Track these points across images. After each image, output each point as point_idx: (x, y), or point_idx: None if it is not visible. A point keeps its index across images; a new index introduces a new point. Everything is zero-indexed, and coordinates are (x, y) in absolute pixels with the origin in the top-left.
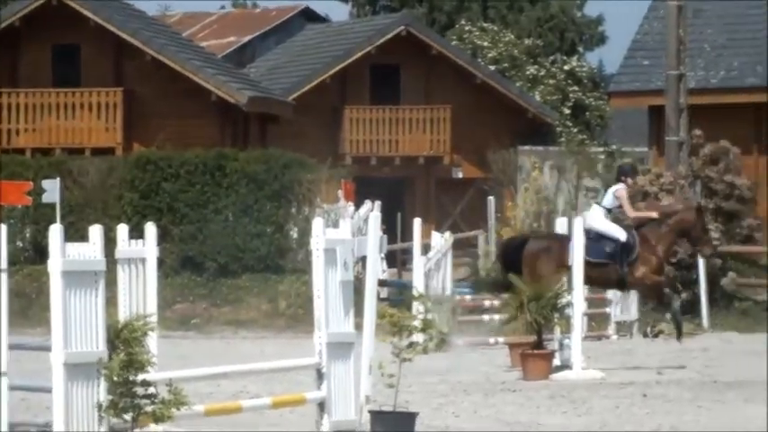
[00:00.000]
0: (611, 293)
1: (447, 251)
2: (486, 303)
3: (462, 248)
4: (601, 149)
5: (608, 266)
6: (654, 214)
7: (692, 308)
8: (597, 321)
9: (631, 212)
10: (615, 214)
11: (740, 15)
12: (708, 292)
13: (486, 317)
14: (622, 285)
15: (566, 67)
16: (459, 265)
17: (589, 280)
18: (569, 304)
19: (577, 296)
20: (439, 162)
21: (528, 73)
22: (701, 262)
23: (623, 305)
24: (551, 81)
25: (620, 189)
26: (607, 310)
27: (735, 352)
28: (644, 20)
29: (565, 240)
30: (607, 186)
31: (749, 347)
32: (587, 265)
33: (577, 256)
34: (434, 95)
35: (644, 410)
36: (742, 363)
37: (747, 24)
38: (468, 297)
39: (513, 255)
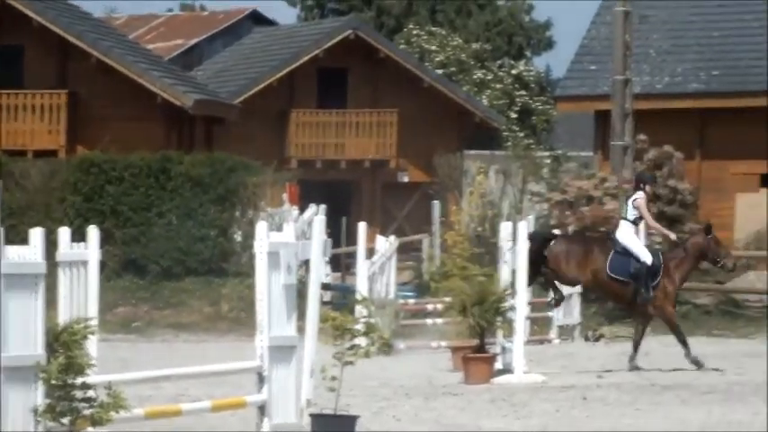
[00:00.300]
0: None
1: (391, 255)
2: (429, 307)
3: (407, 252)
4: (546, 154)
5: (628, 285)
6: (672, 236)
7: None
8: (540, 325)
9: (652, 222)
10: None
11: (684, 22)
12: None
13: (429, 320)
14: (636, 307)
15: (513, 72)
16: (403, 268)
17: (605, 293)
18: (512, 308)
19: (520, 300)
20: (385, 166)
21: (475, 77)
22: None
23: (566, 309)
24: (498, 85)
25: (638, 199)
26: (550, 313)
27: (673, 355)
28: (591, 25)
29: (592, 243)
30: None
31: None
32: (607, 278)
33: (521, 260)
34: (382, 99)
35: (584, 414)
36: (680, 366)
37: (692, 30)
38: (411, 301)
39: (536, 251)
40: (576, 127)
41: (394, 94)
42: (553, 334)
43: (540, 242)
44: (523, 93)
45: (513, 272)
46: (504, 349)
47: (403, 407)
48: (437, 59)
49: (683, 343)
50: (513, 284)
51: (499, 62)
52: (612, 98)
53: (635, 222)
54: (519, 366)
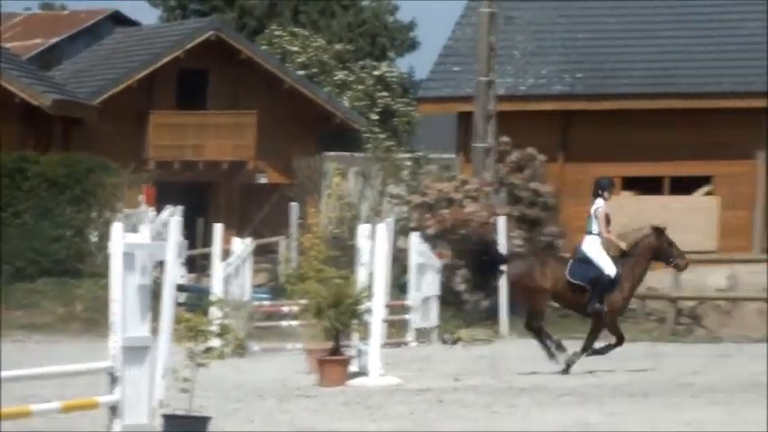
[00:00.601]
0: (411, 300)
1: (247, 257)
2: (285, 309)
3: (264, 254)
4: (407, 156)
5: (586, 292)
6: (623, 244)
7: (491, 314)
8: (397, 328)
9: (605, 233)
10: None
11: (549, 23)
12: (508, 298)
13: (284, 323)
14: (588, 315)
15: (375, 73)
16: (259, 270)
17: (563, 301)
18: (369, 310)
19: (377, 303)
20: (243, 167)
21: (337, 78)
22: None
23: (423, 312)
24: (360, 87)
25: (599, 209)
26: (407, 316)
27: (531, 358)
28: (456, 26)
29: (546, 255)
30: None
31: (545, 353)
32: (566, 284)
33: (379, 262)
34: (242, 101)
35: (440, 416)
36: (538, 368)
37: (557, 32)
38: (266, 303)
39: (487, 267)
40: (439, 129)
41: (255, 95)
42: (410, 337)
43: (487, 248)
44: (385, 94)
45: (371, 274)
46: (360, 352)
47: (257, 408)
48: (299, 60)
49: (584, 350)
50: (370, 287)
51: (361, 63)
52: (476, 100)
53: (600, 234)
54: (375, 369)
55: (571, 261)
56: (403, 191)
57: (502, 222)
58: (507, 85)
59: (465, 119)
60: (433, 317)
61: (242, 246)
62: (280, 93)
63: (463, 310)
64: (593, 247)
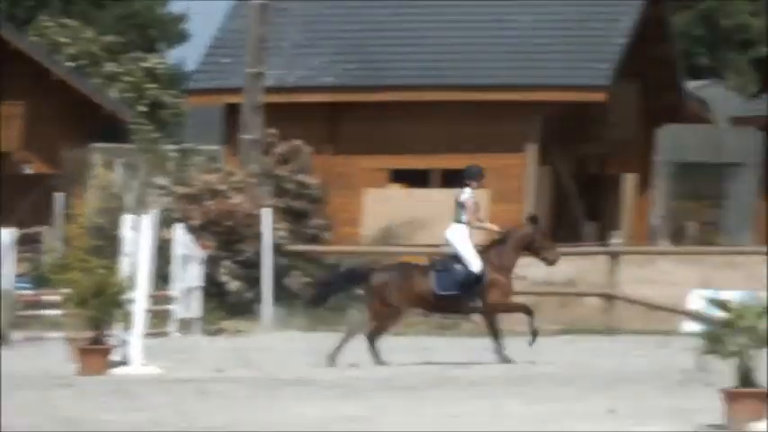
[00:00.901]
0: (174, 290)
1: (10, 247)
2: (48, 298)
3: (27, 244)
4: (174, 147)
5: (459, 297)
6: (495, 228)
7: (254, 306)
8: (160, 318)
9: (473, 221)
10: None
11: (320, 15)
12: (273, 290)
13: (46, 312)
14: (467, 314)
15: (144, 65)
16: (22, 260)
17: (439, 310)
18: (131, 300)
19: (140, 293)
20: (8, 158)
21: (106, 70)
22: (266, 261)
23: (186, 303)
24: (129, 78)
25: (467, 199)
26: (170, 307)
27: (295, 350)
28: (227, 18)
29: (411, 268)
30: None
31: (310, 346)
32: (435, 297)
33: (143, 252)
34: (10, 92)
35: (201, 407)
36: (302, 361)
37: (327, 24)
38: (28, 292)
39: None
40: (207, 120)
41: (22, 86)
42: (173, 327)
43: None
44: (154, 86)
45: (134, 264)
46: (122, 341)
47: (17, 398)
48: (68, 52)
49: (533, 334)
50: (133, 277)
51: (132, 55)
52: (244, 91)
53: (469, 223)
54: (137, 359)
55: (435, 273)
56: (169, 182)
57: (267, 214)
58: (277, 76)
59: (232, 111)
60: (195, 308)
61: (5, 235)
62: (48, 84)
63: (226, 301)
64: (458, 236)
